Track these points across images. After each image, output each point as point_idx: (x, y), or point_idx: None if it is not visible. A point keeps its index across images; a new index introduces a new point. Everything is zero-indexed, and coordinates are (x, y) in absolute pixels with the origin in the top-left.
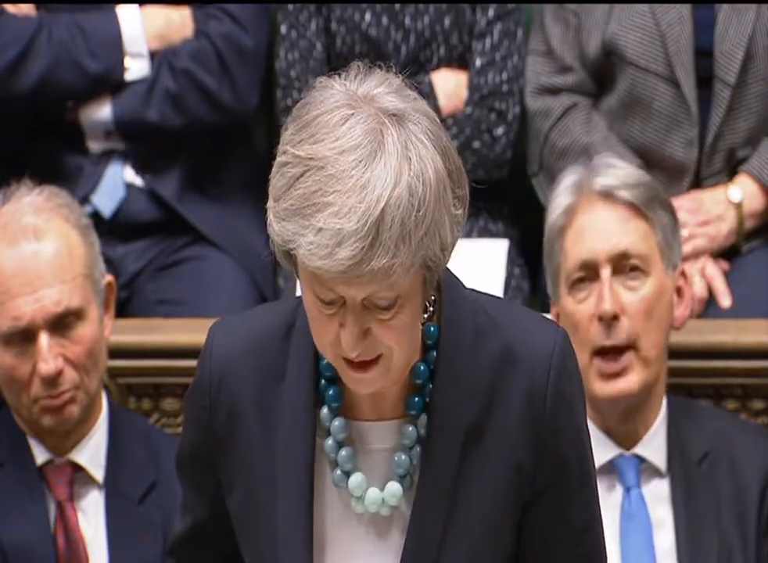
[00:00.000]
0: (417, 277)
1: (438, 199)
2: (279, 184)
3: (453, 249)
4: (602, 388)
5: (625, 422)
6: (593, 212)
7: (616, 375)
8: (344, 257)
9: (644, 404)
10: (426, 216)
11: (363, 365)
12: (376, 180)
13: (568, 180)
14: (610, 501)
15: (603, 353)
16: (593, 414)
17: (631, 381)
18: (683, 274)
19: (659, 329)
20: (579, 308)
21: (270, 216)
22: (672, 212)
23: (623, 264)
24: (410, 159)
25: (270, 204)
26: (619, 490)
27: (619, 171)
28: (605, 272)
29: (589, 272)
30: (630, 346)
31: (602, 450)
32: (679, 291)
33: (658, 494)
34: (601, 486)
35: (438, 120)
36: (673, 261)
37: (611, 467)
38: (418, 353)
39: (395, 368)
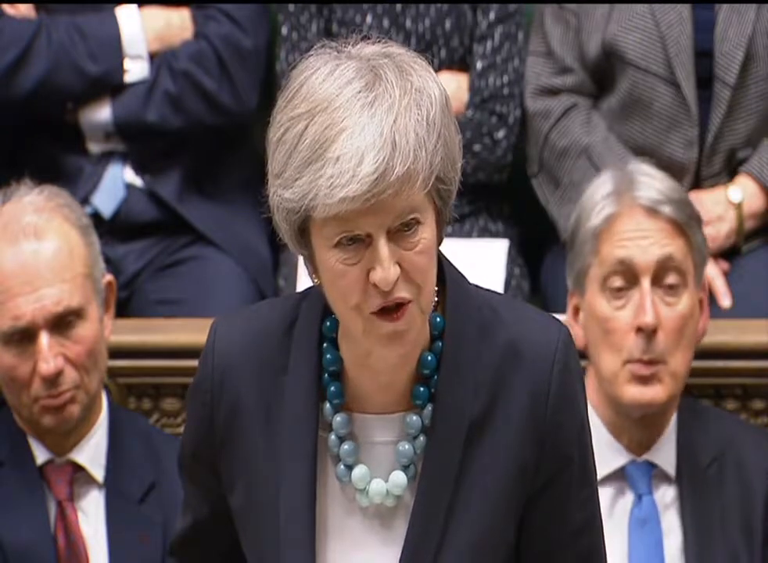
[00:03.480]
0: (432, 204)
1: (443, 112)
2: (280, 155)
3: (459, 176)
4: (633, 392)
5: (640, 429)
6: (637, 223)
7: (648, 381)
8: (367, 173)
9: (662, 415)
10: (435, 124)
11: (396, 312)
12: (382, 96)
13: (607, 186)
14: (620, 507)
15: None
16: (608, 420)
17: (660, 391)
18: (703, 287)
19: (688, 347)
20: (616, 315)
21: (277, 195)
22: (702, 230)
23: (663, 278)
24: (408, 78)
25: (272, 188)
26: (629, 496)
27: (658, 183)
28: (646, 282)
29: (628, 277)
30: (662, 361)
31: (614, 456)
32: (700, 302)
33: (666, 500)
34: (612, 492)
35: (432, 70)
36: (701, 279)
37: (622, 474)
38: (426, 334)
39: (421, 316)
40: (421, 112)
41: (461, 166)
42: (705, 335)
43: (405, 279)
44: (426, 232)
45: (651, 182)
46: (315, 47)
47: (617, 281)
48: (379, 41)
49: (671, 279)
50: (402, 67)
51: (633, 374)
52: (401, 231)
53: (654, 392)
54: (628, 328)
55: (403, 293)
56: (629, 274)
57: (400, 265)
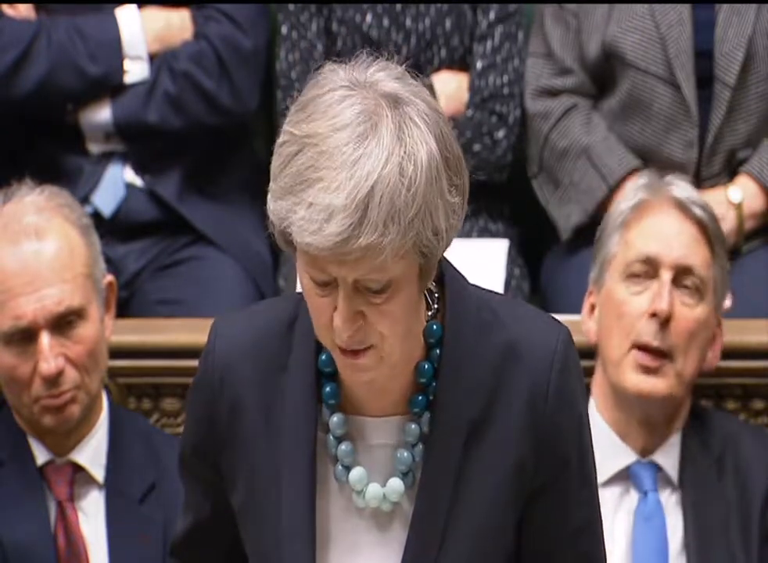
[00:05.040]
0: (411, 264)
1: (430, 182)
2: (277, 163)
3: (449, 237)
4: (636, 380)
5: (644, 431)
6: (667, 216)
7: (653, 371)
8: (332, 233)
9: (665, 418)
10: (417, 197)
11: (355, 352)
12: (367, 157)
13: (639, 181)
14: (625, 506)
15: (644, 349)
16: (613, 420)
17: (661, 384)
18: (719, 322)
19: (696, 356)
20: (632, 300)
21: (269, 196)
22: (727, 258)
23: (683, 278)
24: (402, 139)
25: (270, 185)
26: (634, 496)
27: (692, 190)
28: (666, 275)
29: (649, 269)
30: (669, 356)
31: (619, 456)
32: (713, 336)
33: (669, 504)
34: (617, 492)
35: (439, 108)
36: (720, 307)
37: (627, 474)
38: (419, 350)
39: (388, 358)
40: (403, 182)
41: (449, 226)
42: (711, 369)
43: (368, 328)
44: (399, 288)
45: (686, 186)
46: (326, 66)
47: (638, 269)
48: (403, 66)
49: (690, 282)
50: (404, 124)
51: (638, 362)
52: (369, 285)
53: (655, 383)
54: (641, 312)
55: (359, 345)
56: (652, 265)
57: (365, 314)
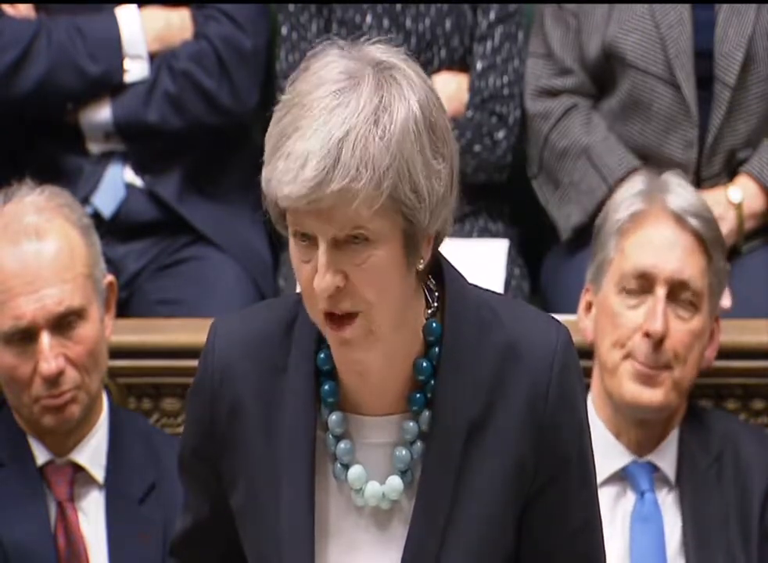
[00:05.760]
0: (392, 225)
1: (407, 134)
2: (268, 132)
3: (433, 204)
4: (633, 390)
5: (639, 430)
6: (664, 229)
7: (650, 382)
8: (306, 178)
9: (661, 419)
10: (391, 147)
11: (340, 322)
12: (344, 106)
13: (638, 185)
14: (622, 507)
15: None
16: (608, 419)
17: (659, 395)
18: (716, 319)
19: (694, 363)
20: (627, 313)
21: (264, 167)
22: (725, 258)
23: (678, 293)
24: (380, 93)
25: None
26: (630, 497)
27: (690, 196)
28: (660, 291)
29: (644, 283)
30: (666, 366)
31: (616, 457)
32: (711, 333)
33: (666, 503)
34: (614, 492)
35: (431, 85)
36: (715, 309)
37: (623, 474)
38: (417, 346)
39: (377, 330)
40: (377, 131)
41: (443, 176)
42: (709, 367)
43: (351, 291)
44: (379, 250)
45: (684, 192)
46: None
47: (633, 283)
48: (399, 48)
49: (686, 297)
50: (384, 81)
51: (637, 372)
52: (350, 243)
53: (653, 394)
54: (636, 328)
55: (345, 305)
56: (647, 281)
57: (348, 276)
